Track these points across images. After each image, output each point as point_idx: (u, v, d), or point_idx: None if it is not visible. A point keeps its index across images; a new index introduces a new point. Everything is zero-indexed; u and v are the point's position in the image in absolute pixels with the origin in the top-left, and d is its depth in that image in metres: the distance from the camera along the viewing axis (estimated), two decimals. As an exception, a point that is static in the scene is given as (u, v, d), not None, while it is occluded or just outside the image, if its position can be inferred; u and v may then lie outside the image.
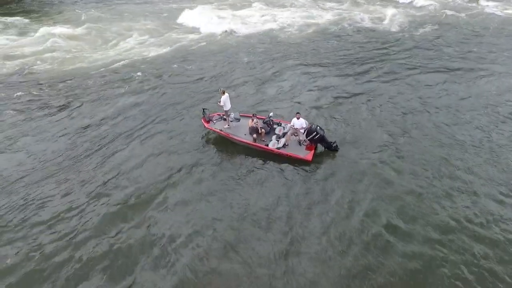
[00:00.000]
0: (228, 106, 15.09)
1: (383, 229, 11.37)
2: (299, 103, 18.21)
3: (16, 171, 13.72)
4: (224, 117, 15.69)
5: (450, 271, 10.07)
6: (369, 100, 18.37)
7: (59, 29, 26.03)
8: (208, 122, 15.81)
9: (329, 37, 26.90)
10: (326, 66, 22.20)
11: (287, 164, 14.16)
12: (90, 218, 11.64)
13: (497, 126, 16.24)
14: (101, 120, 16.93)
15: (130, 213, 11.87)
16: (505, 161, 14.11)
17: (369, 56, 23.61)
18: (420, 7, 33.84)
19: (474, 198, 12.46)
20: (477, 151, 14.69)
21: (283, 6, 33.47)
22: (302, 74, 21.16)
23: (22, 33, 25.60)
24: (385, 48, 24.84)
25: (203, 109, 16.00)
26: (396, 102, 18.24)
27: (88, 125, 16.54)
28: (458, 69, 21.62)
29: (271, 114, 15.79)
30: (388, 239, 11.02)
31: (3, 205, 12.19)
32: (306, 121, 14.68)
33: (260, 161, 14.36)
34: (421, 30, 28.11)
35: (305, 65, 22.39)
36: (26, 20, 27.85)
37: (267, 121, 15.47)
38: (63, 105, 18.14)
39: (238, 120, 15.62)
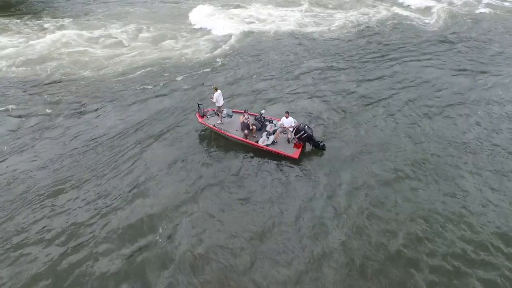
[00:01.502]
0: (220, 102, 15.62)
1: (365, 227, 11.97)
2: (308, 102, 18.55)
3: (32, 174, 14.10)
4: (218, 113, 16.22)
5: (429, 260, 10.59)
6: (372, 104, 18.34)
7: (71, 30, 26.10)
8: (202, 117, 16.36)
9: (349, 37, 26.21)
10: (343, 67, 21.95)
11: (275, 161, 14.72)
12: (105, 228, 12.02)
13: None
14: (120, 124, 17.04)
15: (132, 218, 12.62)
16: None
17: (388, 58, 23.13)
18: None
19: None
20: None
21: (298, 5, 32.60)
22: (319, 76, 21.04)
23: (39, 35, 25.47)
24: (406, 50, 24.34)
25: (198, 104, 16.54)
26: (400, 108, 18.04)
27: (107, 129, 16.64)
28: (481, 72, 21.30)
29: (263, 111, 16.25)
30: (372, 235, 11.65)
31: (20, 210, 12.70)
32: (295, 120, 15.14)
33: (250, 157, 14.93)
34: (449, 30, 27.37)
35: (323, 66, 22.14)
36: (39, 21, 27.79)
37: (258, 118, 15.94)
38: (87, 107, 18.27)
39: (231, 116, 16.12)
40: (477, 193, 13.15)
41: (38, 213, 12.41)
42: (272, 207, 12.68)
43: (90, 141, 15.84)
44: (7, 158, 14.93)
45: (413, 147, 15.37)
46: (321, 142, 15.06)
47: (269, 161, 14.71)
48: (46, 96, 19.05)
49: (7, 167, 14.46)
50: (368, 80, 20.64)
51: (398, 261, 10.87)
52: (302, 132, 14.70)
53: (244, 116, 15.40)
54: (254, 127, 15.64)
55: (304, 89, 19.67)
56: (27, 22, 27.57)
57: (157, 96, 19.10)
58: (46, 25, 27.03)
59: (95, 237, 11.60)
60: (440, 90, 19.52)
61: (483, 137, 15.91)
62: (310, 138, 14.85)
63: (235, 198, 13.02)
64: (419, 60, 22.84)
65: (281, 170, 14.29)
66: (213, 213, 12.45)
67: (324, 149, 15.08)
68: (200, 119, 16.21)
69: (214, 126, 15.90)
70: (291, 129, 15.02)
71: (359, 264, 10.78)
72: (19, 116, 17.53)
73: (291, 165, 14.55)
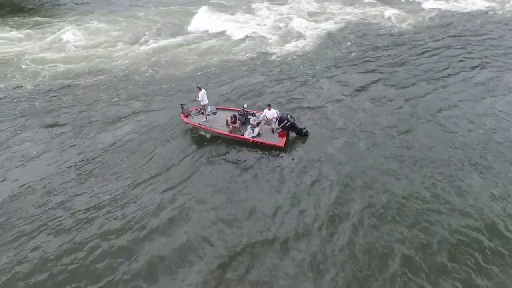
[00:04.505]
0: (205, 101, 16.22)
1: (352, 203, 13.17)
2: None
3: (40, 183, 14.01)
4: (202, 111, 16.82)
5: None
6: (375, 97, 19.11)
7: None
8: (187, 116, 16.86)
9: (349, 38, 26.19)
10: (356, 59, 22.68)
11: (262, 151, 15.57)
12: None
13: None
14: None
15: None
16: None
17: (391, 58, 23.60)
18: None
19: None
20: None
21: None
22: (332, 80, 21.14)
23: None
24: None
25: (182, 105, 17.01)
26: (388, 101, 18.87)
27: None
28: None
29: (245, 105, 17.04)
30: (356, 213, 12.80)
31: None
32: (277, 111, 16.05)
33: (238, 150, 15.66)
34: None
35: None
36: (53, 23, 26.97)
37: (242, 112, 16.71)
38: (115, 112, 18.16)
39: (215, 113, 16.77)
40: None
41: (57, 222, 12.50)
42: (265, 196, 13.51)
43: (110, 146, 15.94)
44: (31, 163, 14.91)
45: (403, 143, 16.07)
46: (303, 129, 16.11)
47: (256, 152, 15.51)
48: (73, 103, 18.85)
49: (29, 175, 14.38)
50: (387, 76, 21.23)
51: (386, 246, 11.67)
52: (285, 121, 15.65)
53: (229, 116, 16.16)
54: (239, 121, 16.40)
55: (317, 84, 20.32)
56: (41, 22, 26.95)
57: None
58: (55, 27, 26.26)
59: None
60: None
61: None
62: (293, 126, 15.83)
63: (227, 190, 13.72)
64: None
65: (269, 159, 15.17)
66: (210, 208, 13.09)
67: (307, 135, 16.14)
68: (185, 119, 16.71)
69: (199, 124, 16.49)
70: (274, 119, 15.93)
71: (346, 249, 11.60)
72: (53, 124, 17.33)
73: (278, 153, 15.48)
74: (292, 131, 16.13)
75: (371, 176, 14.16)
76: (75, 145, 15.94)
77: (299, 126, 16.10)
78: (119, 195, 13.48)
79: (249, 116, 16.89)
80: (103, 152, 15.58)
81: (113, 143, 16.03)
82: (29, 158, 15.13)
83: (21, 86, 19.90)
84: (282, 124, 15.74)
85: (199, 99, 15.96)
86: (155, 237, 11.92)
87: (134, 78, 20.97)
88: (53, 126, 17.08)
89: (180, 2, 31.65)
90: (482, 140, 16.17)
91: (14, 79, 20.46)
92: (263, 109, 16.40)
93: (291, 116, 15.83)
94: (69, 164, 14.91)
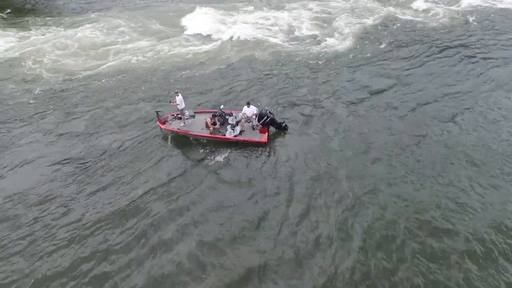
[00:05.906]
0: (182, 105, 16.03)
1: (335, 189, 13.88)
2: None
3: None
4: (179, 116, 16.58)
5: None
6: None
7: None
8: (163, 123, 16.54)
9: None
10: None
11: (246, 149, 15.76)
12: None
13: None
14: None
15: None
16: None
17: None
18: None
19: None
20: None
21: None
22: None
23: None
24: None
25: (157, 112, 16.65)
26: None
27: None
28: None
29: (222, 106, 17.09)
30: (341, 200, 13.52)
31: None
32: (256, 108, 16.33)
33: (221, 151, 15.67)
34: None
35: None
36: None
37: (219, 113, 16.74)
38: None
39: (193, 116, 16.62)
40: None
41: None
42: (255, 189, 13.83)
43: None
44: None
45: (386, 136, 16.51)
46: (283, 123, 16.53)
47: (240, 150, 15.68)
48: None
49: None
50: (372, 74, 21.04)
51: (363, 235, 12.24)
52: (265, 117, 15.97)
53: (211, 118, 16.14)
54: (218, 122, 16.41)
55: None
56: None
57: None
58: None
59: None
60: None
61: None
62: (273, 121, 16.19)
63: (218, 192, 13.81)
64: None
65: (254, 156, 15.42)
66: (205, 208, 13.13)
67: (287, 129, 16.58)
68: (162, 126, 16.37)
69: (178, 129, 16.26)
70: (254, 116, 16.17)
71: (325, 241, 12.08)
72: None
73: (262, 149, 15.75)
74: (272, 126, 16.47)
75: (353, 165, 14.89)
76: (77, 147, 15.90)
77: (278, 121, 16.50)
78: (118, 200, 13.25)
79: (227, 117, 16.97)
80: (105, 156, 15.45)
81: (114, 147, 15.89)
82: (28, 162, 15.00)
83: (30, 87, 19.63)
84: (262, 120, 16.04)
85: (178, 102, 15.75)
86: (155, 247, 11.70)
87: (150, 79, 20.62)
88: (58, 126, 17.11)
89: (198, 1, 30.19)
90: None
91: (24, 81, 20.17)
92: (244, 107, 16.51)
93: (270, 112, 16.19)
94: (69, 168, 14.78)
